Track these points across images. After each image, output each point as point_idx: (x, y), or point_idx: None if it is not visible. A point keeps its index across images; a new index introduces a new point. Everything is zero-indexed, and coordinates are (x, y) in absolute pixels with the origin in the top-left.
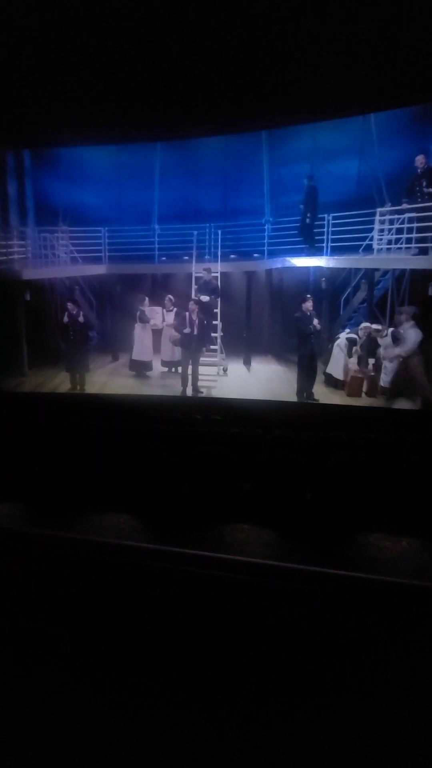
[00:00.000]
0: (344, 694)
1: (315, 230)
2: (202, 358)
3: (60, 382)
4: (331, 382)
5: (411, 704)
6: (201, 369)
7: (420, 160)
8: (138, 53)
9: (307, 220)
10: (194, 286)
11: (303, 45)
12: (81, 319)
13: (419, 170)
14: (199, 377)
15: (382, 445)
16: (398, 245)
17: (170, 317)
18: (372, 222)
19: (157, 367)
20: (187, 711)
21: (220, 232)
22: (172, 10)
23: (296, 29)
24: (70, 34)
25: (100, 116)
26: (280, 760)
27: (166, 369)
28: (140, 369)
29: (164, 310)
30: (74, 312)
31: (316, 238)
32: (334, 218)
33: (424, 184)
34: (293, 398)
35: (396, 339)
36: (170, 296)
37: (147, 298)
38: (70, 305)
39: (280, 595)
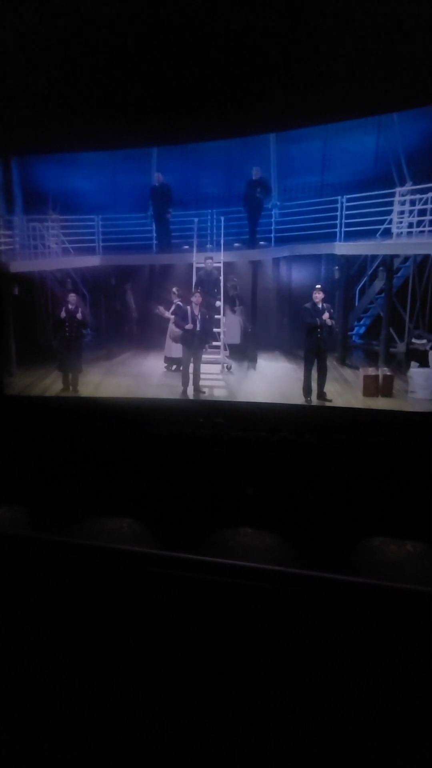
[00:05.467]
0: (348, 700)
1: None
2: (204, 356)
3: (51, 382)
4: None
5: (416, 711)
6: (203, 367)
7: None
8: (137, 57)
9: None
10: (194, 278)
11: (309, 45)
12: (79, 315)
13: None
14: (201, 376)
15: (387, 448)
16: (420, 228)
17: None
18: (391, 203)
19: (158, 365)
20: (190, 717)
21: (222, 218)
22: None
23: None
24: (69, 35)
25: (98, 121)
26: (282, 765)
27: (165, 366)
28: (172, 364)
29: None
30: (73, 307)
31: (328, 223)
32: (349, 200)
33: None
34: (302, 399)
35: None
36: (175, 288)
37: (175, 289)
38: (71, 297)
39: (283, 600)
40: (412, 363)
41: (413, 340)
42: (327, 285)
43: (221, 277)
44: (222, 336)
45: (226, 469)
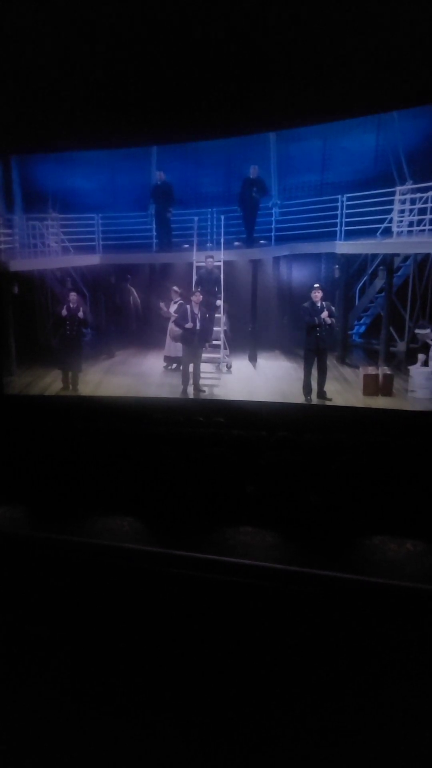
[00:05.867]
0: (349, 699)
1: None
2: (204, 355)
3: (51, 381)
4: None
5: (417, 709)
6: (203, 366)
7: None
8: (137, 56)
9: None
10: (194, 277)
11: (309, 45)
12: (80, 314)
13: None
14: (201, 375)
15: (387, 446)
16: (421, 227)
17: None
18: (391, 202)
19: (158, 364)
20: (191, 715)
21: (222, 217)
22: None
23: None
24: (69, 34)
25: (98, 120)
26: (283, 763)
27: (165, 365)
28: (171, 363)
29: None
30: (74, 306)
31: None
32: (349, 199)
33: None
34: (302, 398)
35: None
36: (175, 287)
37: (175, 288)
38: (72, 296)
39: (283, 598)
40: (419, 356)
41: (416, 330)
42: (327, 284)
43: (222, 276)
44: (222, 335)
45: (226, 467)
